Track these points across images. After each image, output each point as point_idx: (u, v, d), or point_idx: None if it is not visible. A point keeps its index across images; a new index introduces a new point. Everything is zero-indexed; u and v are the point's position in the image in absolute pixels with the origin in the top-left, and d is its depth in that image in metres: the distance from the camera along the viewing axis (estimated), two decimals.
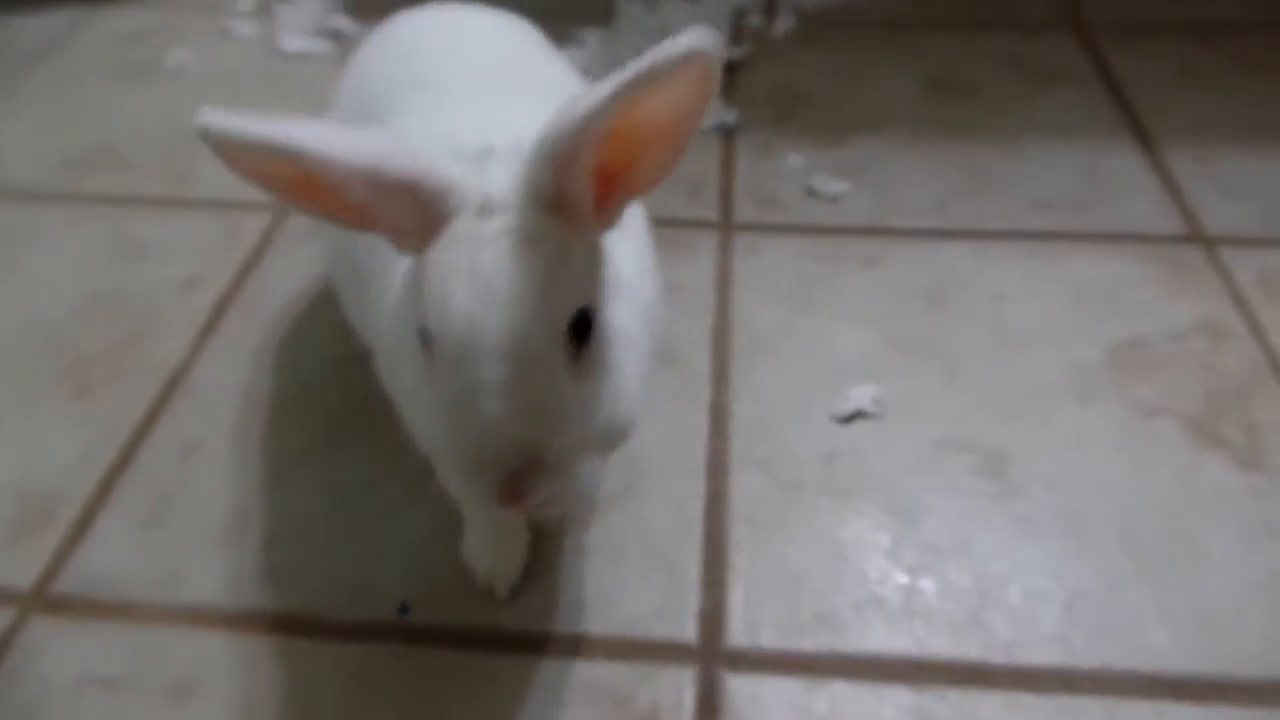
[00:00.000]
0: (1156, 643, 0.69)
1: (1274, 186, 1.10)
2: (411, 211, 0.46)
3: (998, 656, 0.68)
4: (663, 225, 1.00)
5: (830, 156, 1.17)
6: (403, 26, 0.79)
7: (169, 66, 1.38)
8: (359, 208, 0.46)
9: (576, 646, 0.70)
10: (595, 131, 0.42)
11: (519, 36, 0.81)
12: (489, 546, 0.73)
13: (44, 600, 0.74)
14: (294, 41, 1.41)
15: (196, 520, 0.79)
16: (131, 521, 0.79)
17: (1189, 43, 1.36)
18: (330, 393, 0.90)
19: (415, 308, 0.48)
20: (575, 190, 0.45)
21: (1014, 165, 1.15)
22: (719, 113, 1.23)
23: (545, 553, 0.76)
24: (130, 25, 1.49)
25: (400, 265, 0.55)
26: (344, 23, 1.45)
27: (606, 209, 0.47)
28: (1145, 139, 1.18)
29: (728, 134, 1.22)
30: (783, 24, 1.43)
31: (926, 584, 0.73)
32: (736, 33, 1.41)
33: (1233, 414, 0.85)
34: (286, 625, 0.71)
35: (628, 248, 0.57)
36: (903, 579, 0.73)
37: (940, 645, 0.69)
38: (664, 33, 1.39)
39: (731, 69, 1.34)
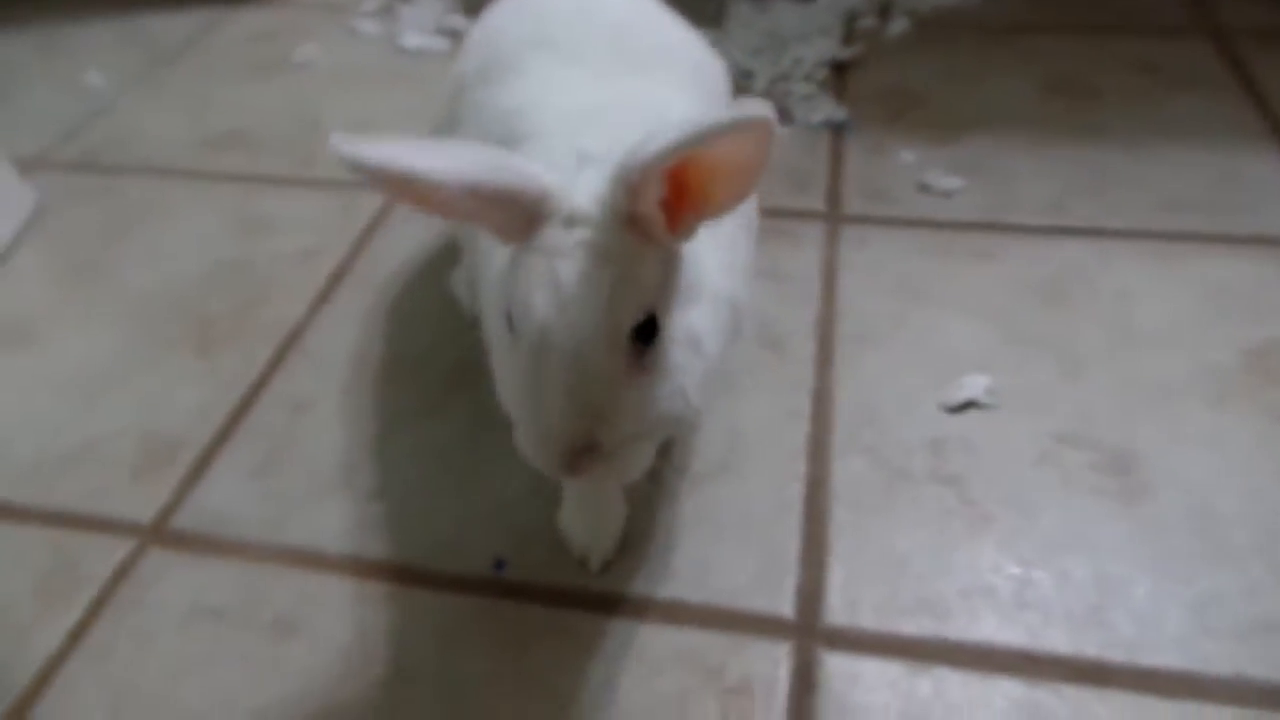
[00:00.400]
0: None
1: None
2: (511, 216, 0.51)
3: (1119, 655, 0.64)
4: (768, 215, 0.99)
5: (943, 154, 1.14)
6: None
7: (297, 61, 1.45)
8: (468, 211, 0.51)
9: (669, 612, 0.69)
10: (660, 170, 0.47)
11: (645, 8, 0.82)
12: (585, 518, 0.72)
13: (162, 534, 0.77)
14: (414, 39, 1.47)
15: (305, 471, 0.81)
16: (245, 468, 0.82)
17: None
18: (436, 359, 0.91)
19: (505, 293, 0.53)
20: (647, 212, 0.50)
21: (1140, 167, 1.10)
22: (828, 109, 1.22)
23: (641, 521, 0.75)
24: (262, 24, 1.58)
25: (501, 251, 0.59)
26: (461, 22, 1.50)
27: (679, 228, 0.51)
28: None
29: (837, 130, 1.20)
30: (896, 26, 1.41)
31: (1041, 577, 0.69)
32: (848, 34, 1.40)
33: None
34: (385, 572, 0.73)
35: (713, 246, 0.59)
36: (1015, 570, 0.70)
37: (1056, 640, 0.65)
38: (773, 35, 1.38)
39: (841, 68, 1.33)
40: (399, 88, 1.37)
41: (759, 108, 0.44)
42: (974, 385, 0.83)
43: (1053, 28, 1.40)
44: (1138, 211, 1.03)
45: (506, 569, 0.72)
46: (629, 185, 0.48)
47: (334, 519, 0.77)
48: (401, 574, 0.72)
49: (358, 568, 0.73)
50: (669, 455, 0.80)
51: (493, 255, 0.62)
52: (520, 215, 0.50)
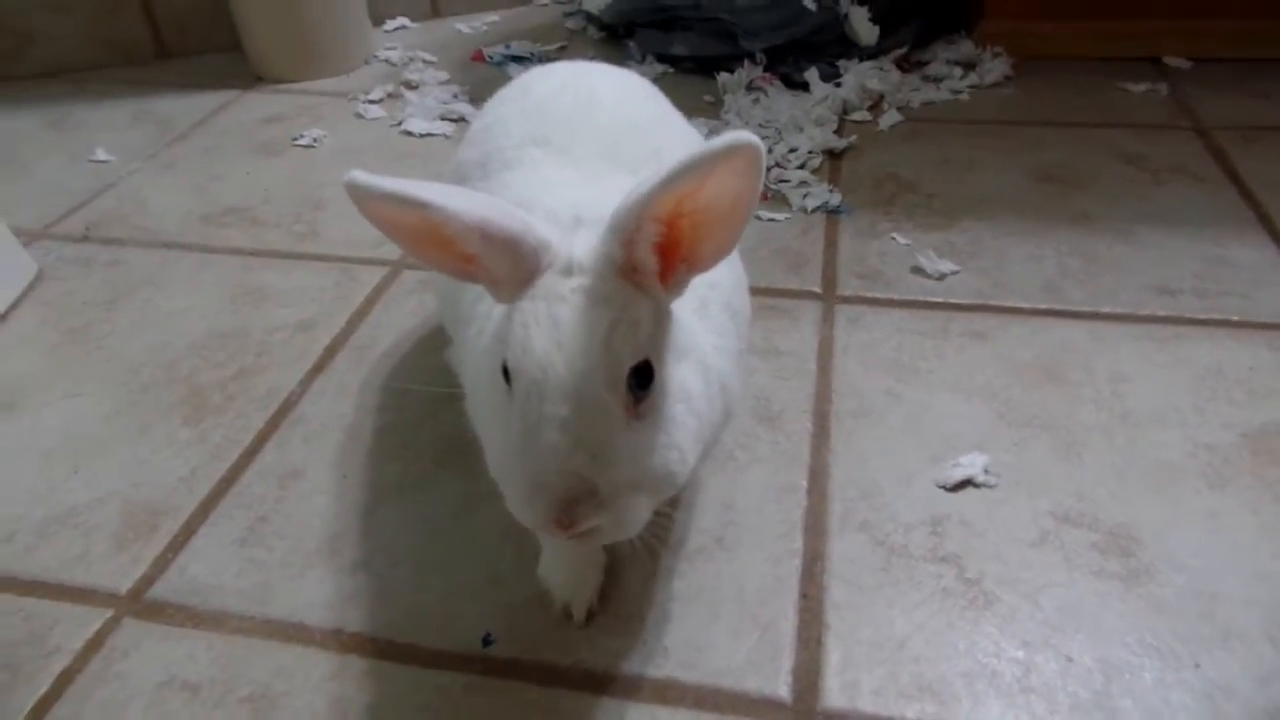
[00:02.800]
0: None
1: None
2: (510, 263, 0.52)
3: None
4: (764, 295, 1.00)
5: (936, 238, 1.16)
6: (537, 82, 0.83)
7: (303, 142, 1.48)
8: (468, 257, 0.53)
9: (661, 692, 0.66)
10: (652, 213, 0.49)
11: (642, 98, 0.84)
12: (565, 567, 0.72)
13: (139, 604, 0.74)
14: (419, 124, 1.51)
15: (291, 541, 0.79)
16: (229, 538, 0.80)
17: None
18: (428, 432, 0.90)
19: (501, 347, 0.53)
20: (641, 260, 0.51)
21: (1131, 252, 1.12)
22: (823, 195, 1.25)
23: (634, 598, 0.73)
24: (272, 108, 1.62)
25: (495, 313, 0.61)
26: (465, 108, 1.54)
27: (671, 279, 0.54)
28: (1276, 233, 1.14)
29: (831, 214, 1.22)
30: (888, 118, 1.45)
31: (1045, 660, 0.67)
32: (841, 125, 1.44)
33: None
34: (370, 647, 0.70)
35: (705, 329, 0.61)
36: (1018, 653, 0.68)
37: None
38: (769, 124, 1.42)
39: (835, 156, 1.36)
40: (403, 168, 1.40)
41: (745, 135, 0.45)
42: (971, 464, 0.82)
43: (1039, 122, 1.44)
44: (1130, 295, 1.04)
45: (495, 645, 0.70)
46: (624, 231, 0.50)
47: (317, 591, 0.75)
48: (385, 649, 0.70)
49: (340, 641, 0.71)
50: (662, 530, 0.78)
51: (481, 323, 0.64)
52: (520, 262, 0.52)
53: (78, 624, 0.73)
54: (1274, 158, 1.30)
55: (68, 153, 1.48)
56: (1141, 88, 1.52)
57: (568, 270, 0.52)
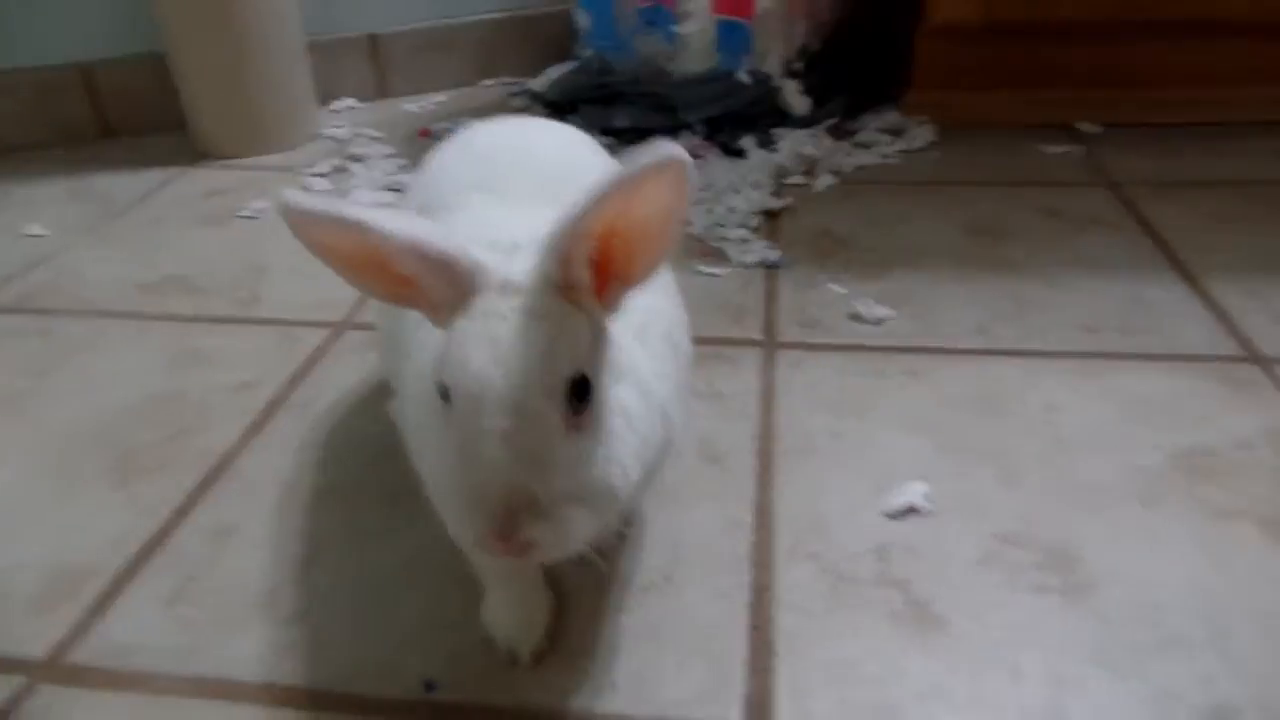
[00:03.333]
0: None
1: None
2: (446, 285, 0.52)
3: None
4: (706, 344, 1.01)
5: (872, 288, 1.19)
6: (479, 134, 0.85)
7: (245, 214, 1.49)
8: (405, 280, 0.53)
9: None
10: (587, 228, 0.50)
11: (579, 146, 0.86)
12: (510, 609, 0.70)
13: (56, 670, 0.70)
14: (364, 194, 1.52)
15: (224, 597, 0.76)
16: (157, 597, 0.77)
17: (1226, 195, 1.40)
18: (369, 486, 0.89)
19: (439, 369, 0.53)
20: (577, 276, 0.52)
21: (1056, 295, 1.16)
22: (762, 251, 1.28)
23: (580, 636, 0.71)
24: (215, 183, 1.63)
25: (431, 342, 0.60)
26: (410, 179, 1.56)
27: (606, 295, 0.54)
28: (1188, 275, 1.19)
29: (770, 269, 1.25)
30: (822, 181, 1.51)
31: (995, 675, 0.67)
32: (778, 188, 1.49)
33: None
34: (305, 699, 0.67)
35: (646, 355, 0.62)
36: (970, 669, 0.67)
37: None
38: (708, 187, 1.47)
39: (773, 216, 1.40)
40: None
41: (671, 147, 0.47)
42: (913, 492, 0.83)
43: (965, 182, 1.51)
44: (1057, 333, 1.08)
45: (439, 690, 0.67)
46: (560, 249, 0.51)
47: (249, 646, 0.72)
48: (321, 699, 0.67)
49: (272, 695, 0.67)
50: (608, 563, 0.77)
51: (419, 354, 0.63)
52: (456, 282, 0.52)
53: None
54: (1182, 208, 1.37)
55: (2, 227, 1.46)
56: (1058, 150, 1.60)
57: (504, 290, 0.52)
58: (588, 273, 0.52)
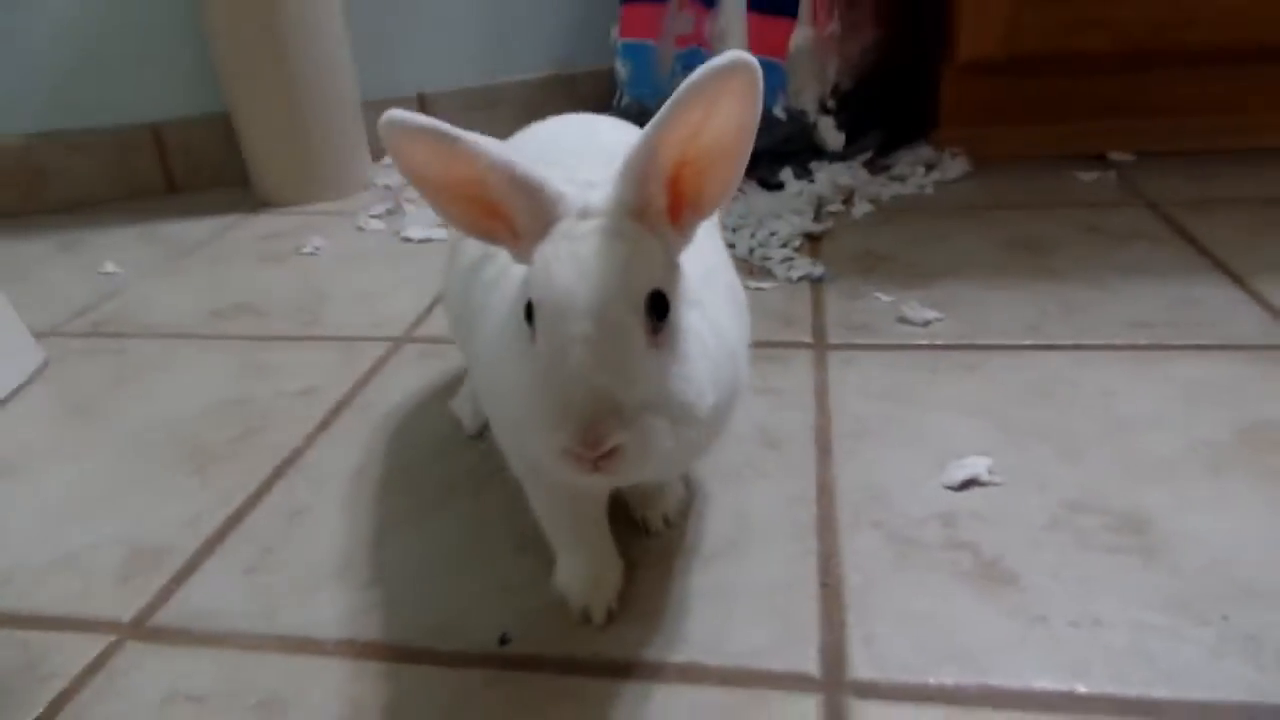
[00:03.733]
0: None
1: None
2: (533, 209, 0.55)
3: (1166, 691, 0.60)
4: (757, 346, 1.03)
5: (917, 294, 1.21)
6: (542, 125, 0.90)
7: (305, 251, 1.55)
8: (490, 209, 0.56)
9: (686, 674, 0.64)
10: (662, 144, 0.52)
11: (638, 132, 0.91)
12: (582, 570, 0.71)
13: (141, 630, 0.72)
14: (418, 230, 1.58)
15: (300, 568, 0.78)
16: (235, 567, 0.79)
17: (1262, 210, 1.41)
18: (435, 470, 0.91)
19: (523, 296, 0.56)
20: (653, 200, 0.55)
21: (1104, 297, 1.17)
22: (806, 267, 1.31)
23: (651, 597, 0.72)
24: (275, 227, 1.70)
25: (508, 294, 0.64)
26: None
27: (680, 222, 0.57)
28: (1235, 277, 1.20)
29: (816, 282, 1.28)
30: (860, 209, 1.54)
31: (1075, 623, 0.66)
32: (818, 215, 1.53)
33: None
34: (386, 652, 0.68)
35: (713, 299, 0.63)
36: (1046, 619, 0.67)
37: (1099, 679, 0.61)
38: (749, 215, 1.50)
39: (814, 239, 1.44)
40: (401, 266, 1.46)
41: (740, 53, 0.49)
42: (975, 465, 0.84)
43: (1001, 205, 1.54)
44: (1109, 329, 1.09)
45: (512, 643, 0.68)
46: (637, 170, 0.53)
47: (328, 609, 0.73)
48: (400, 653, 0.68)
49: (354, 649, 0.69)
50: (675, 532, 0.78)
51: (497, 304, 0.67)
52: (541, 208, 0.55)
53: (77, 651, 0.70)
54: (1221, 221, 1.38)
55: (78, 267, 1.54)
56: (1092, 176, 1.63)
57: (585, 214, 0.55)
58: (663, 196, 0.55)
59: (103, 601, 0.76)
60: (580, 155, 0.81)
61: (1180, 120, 1.69)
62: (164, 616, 0.74)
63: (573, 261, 0.53)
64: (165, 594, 0.76)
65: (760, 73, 0.51)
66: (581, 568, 0.72)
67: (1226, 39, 1.57)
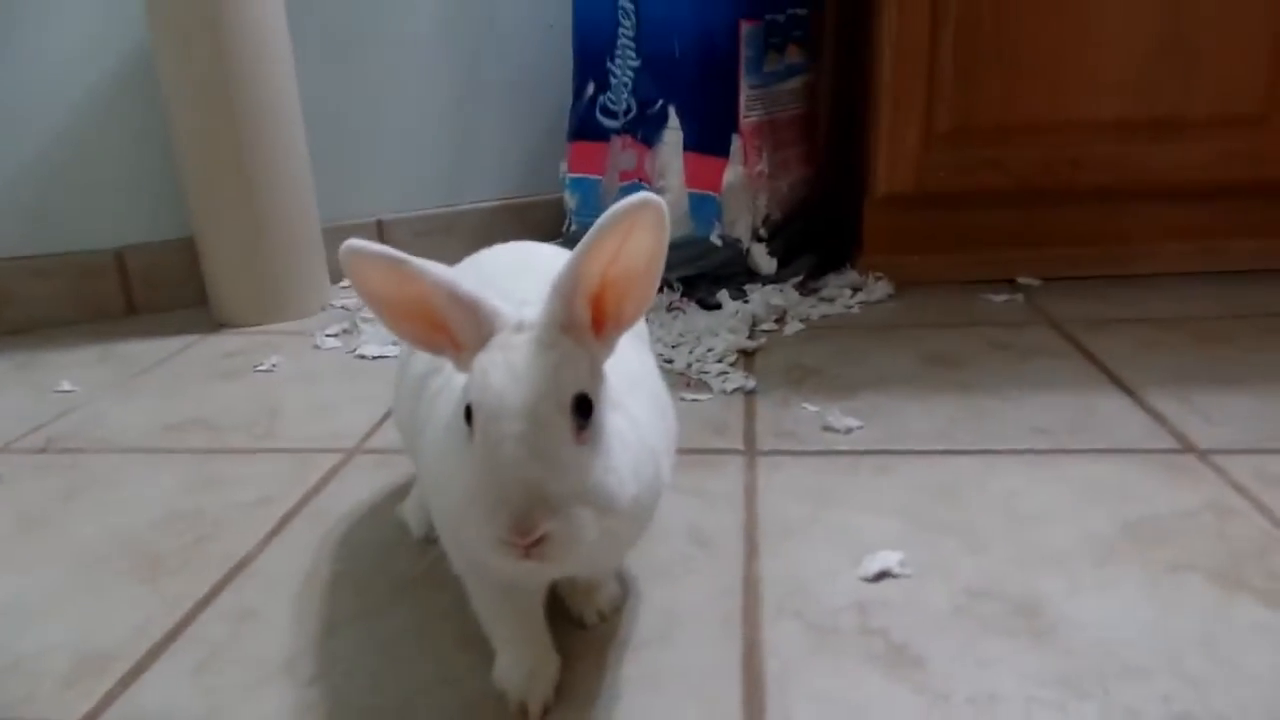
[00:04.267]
0: None
1: (1256, 414, 1.20)
2: (473, 324, 0.63)
3: None
4: (690, 453, 1.11)
5: (841, 405, 1.30)
6: (484, 253, 0.98)
7: (262, 368, 1.60)
8: (438, 325, 0.64)
9: None
10: (585, 269, 0.61)
11: None
12: (520, 664, 0.75)
13: None
14: (372, 348, 1.65)
15: (246, 668, 0.81)
16: (183, 669, 0.81)
17: (1150, 329, 1.56)
18: (383, 572, 0.95)
19: (464, 400, 0.63)
20: (578, 315, 0.63)
21: (1010, 406, 1.27)
22: (739, 379, 1.40)
23: (582, 687, 0.76)
24: (233, 345, 1.76)
25: (451, 401, 0.71)
26: None
27: (603, 334, 0.65)
28: (1127, 389, 1.32)
29: (748, 394, 1.37)
30: (792, 327, 1.66)
31: (974, 699, 0.72)
32: (752, 333, 1.63)
33: (1255, 568, 0.87)
34: None
35: (638, 404, 0.71)
36: (949, 695, 0.72)
37: None
38: (687, 332, 1.60)
39: (748, 354, 1.54)
40: (356, 382, 1.52)
41: (644, 193, 0.59)
42: (888, 558, 0.90)
43: (920, 325, 1.66)
44: (1013, 436, 1.19)
45: None
46: (564, 290, 0.62)
47: (273, 704, 0.76)
48: None
49: None
50: (607, 626, 0.83)
51: (441, 411, 0.73)
52: (480, 323, 0.63)
53: None
54: (1117, 338, 1.52)
55: (33, 385, 1.57)
56: (1002, 298, 1.78)
57: (519, 328, 0.63)
58: (587, 313, 0.63)
59: (48, 705, 0.77)
60: (517, 276, 0.90)
61: (1076, 250, 1.87)
62: (109, 719, 0.75)
63: (507, 368, 0.60)
64: (110, 697, 0.78)
65: (663, 209, 0.60)
66: (519, 662, 0.75)
67: (1107, 179, 1.75)
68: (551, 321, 0.63)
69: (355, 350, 1.67)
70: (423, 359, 0.87)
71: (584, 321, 0.64)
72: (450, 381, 0.75)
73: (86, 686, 0.79)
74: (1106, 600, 0.84)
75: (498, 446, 0.58)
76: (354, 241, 0.62)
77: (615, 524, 0.62)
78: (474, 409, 0.61)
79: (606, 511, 0.61)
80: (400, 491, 1.11)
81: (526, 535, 0.57)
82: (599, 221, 0.60)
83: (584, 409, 0.61)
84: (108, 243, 1.96)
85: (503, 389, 0.59)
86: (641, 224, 0.60)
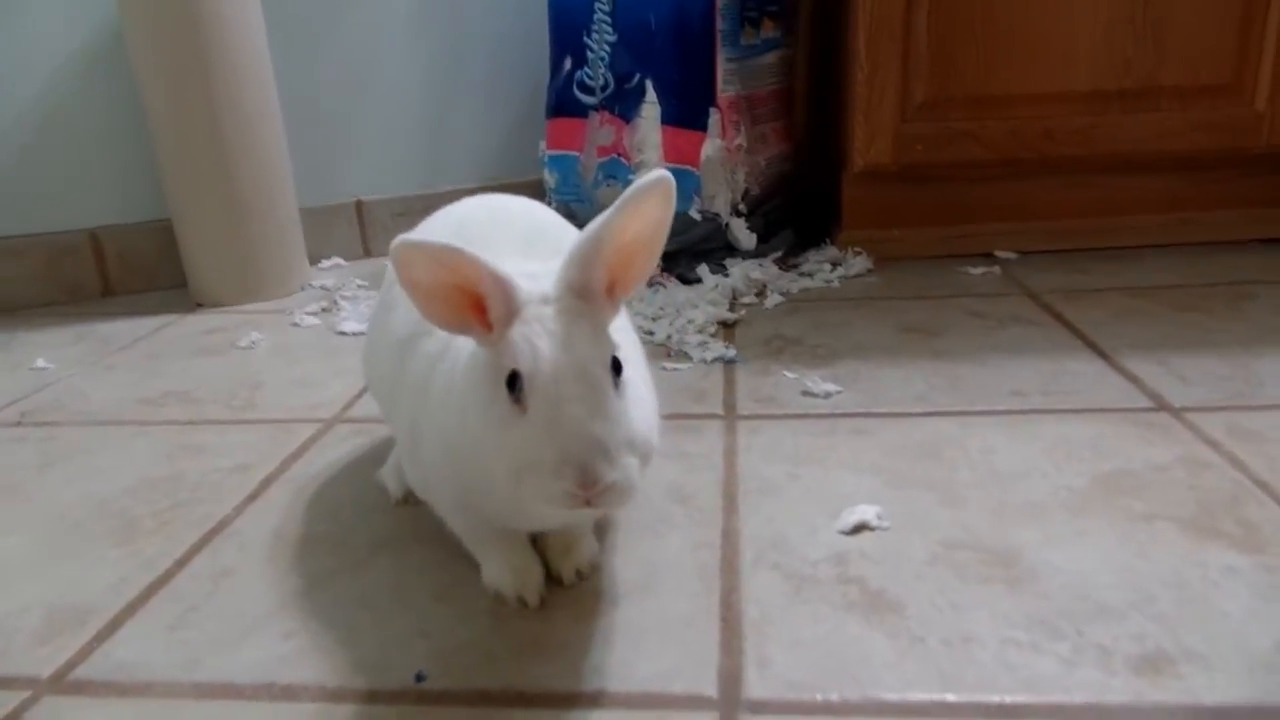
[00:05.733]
0: (1195, 684, 0.67)
1: (1229, 375, 1.22)
2: (503, 302, 0.66)
3: (1029, 697, 0.66)
4: (670, 419, 1.12)
5: (820, 372, 1.31)
6: (457, 206, 0.98)
7: (242, 345, 1.59)
8: (473, 305, 0.67)
9: (595, 700, 0.68)
10: (606, 236, 0.65)
11: (545, 211, 1.00)
12: (508, 565, 0.81)
13: (60, 685, 0.74)
14: (352, 325, 1.64)
15: (224, 623, 0.81)
16: (158, 625, 0.81)
17: (1125, 297, 1.57)
18: (360, 531, 0.95)
19: (495, 372, 0.66)
20: (594, 280, 0.67)
21: (985, 372, 1.28)
22: (719, 350, 1.40)
23: (562, 635, 0.76)
24: (213, 323, 1.74)
25: (458, 367, 0.75)
26: None
27: (614, 298, 0.69)
28: (1102, 353, 1.33)
29: (728, 364, 1.37)
30: (772, 300, 1.66)
31: (948, 640, 0.72)
32: (732, 306, 1.64)
33: (1227, 516, 0.89)
34: (299, 693, 0.71)
35: (635, 369, 0.74)
36: (925, 637, 0.73)
37: (969, 690, 0.67)
38: (667, 306, 1.60)
39: (728, 326, 1.54)
40: (336, 358, 1.51)
41: (661, 171, 0.63)
42: (865, 511, 0.91)
43: (898, 297, 1.67)
44: (989, 398, 1.19)
45: (428, 680, 0.71)
46: (582, 260, 0.65)
47: (250, 656, 0.75)
48: (317, 693, 0.71)
49: (270, 692, 0.71)
50: (587, 582, 0.83)
51: (446, 377, 0.77)
52: (507, 300, 0.66)
53: None
54: (1095, 308, 1.53)
55: (7, 364, 1.55)
56: (979, 270, 1.79)
57: (545, 300, 0.66)
58: (605, 280, 0.67)
59: (21, 660, 0.77)
60: (491, 232, 0.90)
61: (1053, 223, 1.88)
62: (84, 672, 0.75)
63: (549, 337, 0.64)
64: (86, 651, 0.78)
65: (674, 185, 0.64)
66: (507, 563, 0.81)
67: (1081, 150, 1.77)
68: (574, 290, 0.66)
69: (335, 328, 1.66)
70: (405, 322, 0.87)
71: (600, 287, 0.67)
72: (451, 349, 0.78)
73: (61, 642, 0.79)
74: (1081, 549, 0.85)
75: (559, 409, 0.62)
76: (407, 237, 0.64)
77: (648, 468, 0.68)
78: (526, 377, 0.64)
79: (645, 456, 0.66)
80: (378, 458, 1.11)
81: (594, 487, 0.61)
82: (620, 197, 0.63)
83: (618, 367, 0.66)
84: (82, 223, 1.94)
85: (554, 355, 0.63)
86: (654, 197, 0.64)
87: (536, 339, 0.64)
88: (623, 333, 0.76)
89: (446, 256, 0.64)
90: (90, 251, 1.95)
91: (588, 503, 0.62)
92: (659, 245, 0.68)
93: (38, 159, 1.89)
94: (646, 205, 0.64)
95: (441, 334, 0.81)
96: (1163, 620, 0.74)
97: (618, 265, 0.67)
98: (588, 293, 0.67)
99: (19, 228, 1.90)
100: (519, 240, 0.89)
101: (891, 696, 0.67)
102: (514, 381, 0.65)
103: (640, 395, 0.70)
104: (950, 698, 0.67)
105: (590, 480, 0.61)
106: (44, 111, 1.89)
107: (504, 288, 0.66)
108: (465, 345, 0.76)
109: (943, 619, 0.76)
